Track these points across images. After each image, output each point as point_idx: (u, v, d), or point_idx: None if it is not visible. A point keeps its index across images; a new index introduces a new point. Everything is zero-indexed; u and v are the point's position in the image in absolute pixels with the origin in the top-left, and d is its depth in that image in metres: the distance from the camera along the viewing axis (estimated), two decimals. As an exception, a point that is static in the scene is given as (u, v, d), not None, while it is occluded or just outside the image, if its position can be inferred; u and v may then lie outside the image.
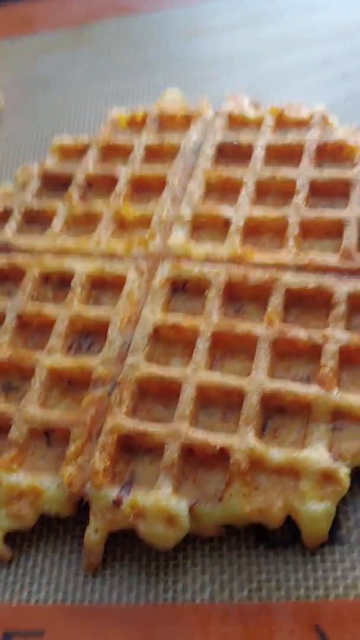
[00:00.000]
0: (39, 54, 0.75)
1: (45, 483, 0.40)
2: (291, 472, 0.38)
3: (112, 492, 0.38)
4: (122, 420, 0.40)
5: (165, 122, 0.59)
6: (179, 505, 0.38)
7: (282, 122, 0.57)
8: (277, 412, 0.41)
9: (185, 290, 0.48)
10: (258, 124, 0.58)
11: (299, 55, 0.71)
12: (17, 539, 0.40)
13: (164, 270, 0.48)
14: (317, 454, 0.38)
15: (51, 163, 0.58)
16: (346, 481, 0.38)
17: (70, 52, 0.75)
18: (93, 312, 0.46)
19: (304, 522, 0.37)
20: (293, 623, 0.36)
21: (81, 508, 0.40)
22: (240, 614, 0.37)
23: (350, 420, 0.40)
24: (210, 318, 0.45)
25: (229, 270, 0.47)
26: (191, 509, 0.38)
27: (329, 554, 0.38)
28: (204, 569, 0.38)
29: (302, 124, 0.57)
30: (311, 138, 0.54)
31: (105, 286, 0.49)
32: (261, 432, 0.41)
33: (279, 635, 0.36)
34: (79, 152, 0.58)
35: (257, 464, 0.39)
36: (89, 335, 0.46)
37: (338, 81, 0.67)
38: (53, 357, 0.44)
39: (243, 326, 0.44)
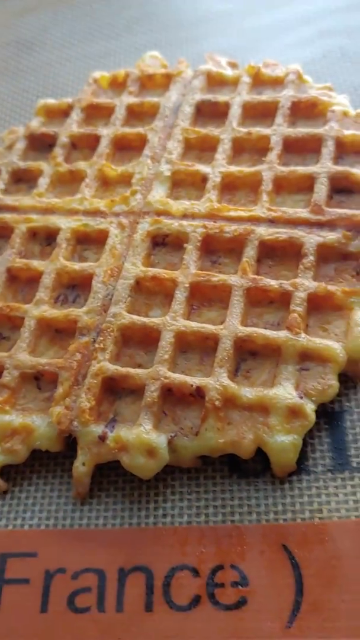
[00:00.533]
0: (21, 15, 0.76)
1: (36, 422, 0.43)
2: (261, 408, 0.42)
3: (98, 429, 0.42)
4: (105, 364, 0.44)
5: (146, 82, 0.61)
6: (159, 439, 0.41)
7: (258, 81, 0.59)
8: (249, 355, 0.45)
9: (165, 244, 0.50)
10: (235, 82, 0.60)
11: (276, 14, 0.72)
12: (12, 473, 0.44)
13: (145, 226, 0.50)
14: (285, 391, 0.42)
15: (36, 124, 0.60)
16: (312, 416, 0.41)
17: (52, 13, 0.76)
18: (78, 266, 0.49)
19: (273, 453, 0.41)
20: (263, 543, 0.40)
21: (69, 444, 0.43)
22: (215, 535, 0.40)
23: (316, 361, 0.43)
24: (188, 270, 0.47)
25: (206, 225, 0.49)
26: (170, 442, 0.41)
27: (297, 482, 0.42)
28: (182, 497, 0.42)
29: (278, 82, 0.59)
30: (285, 95, 0.56)
31: (89, 241, 0.51)
32: (235, 373, 0.44)
33: (250, 554, 0.40)
34: (63, 113, 0.60)
35: (230, 402, 0.42)
36: (74, 287, 0.49)
37: (315, 39, 0.69)
38: (41, 308, 0.47)
39: (218, 277, 0.47)
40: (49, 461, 0.44)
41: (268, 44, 0.69)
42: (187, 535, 0.41)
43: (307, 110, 0.56)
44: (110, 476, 0.43)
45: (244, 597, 0.38)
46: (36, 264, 0.49)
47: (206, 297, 0.47)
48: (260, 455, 0.42)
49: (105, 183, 0.55)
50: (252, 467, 0.42)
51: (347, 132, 0.52)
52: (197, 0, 0.75)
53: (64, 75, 0.69)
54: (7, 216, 0.53)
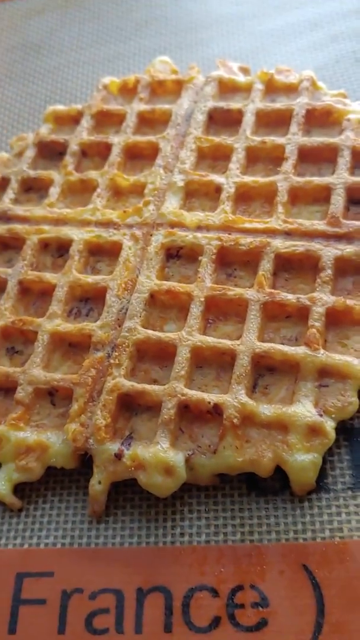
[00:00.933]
0: (28, 18, 0.75)
1: (51, 439, 0.42)
2: (280, 426, 0.41)
3: (114, 447, 0.41)
4: (121, 380, 0.43)
5: (156, 88, 0.60)
6: (176, 457, 0.41)
7: (271, 87, 0.58)
8: (267, 371, 0.44)
9: (179, 256, 0.50)
10: (248, 89, 0.59)
11: (288, 17, 0.71)
12: (26, 490, 0.43)
13: (159, 238, 0.50)
14: (304, 409, 0.41)
15: (45, 131, 0.59)
16: (332, 434, 0.41)
17: (60, 16, 0.75)
18: (92, 279, 0.48)
19: (292, 471, 0.40)
20: (282, 563, 0.39)
21: (85, 461, 0.43)
22: (234, 555, 0.40)
23: (335, 377, 0.42)
24: (203, 283, 0.47)
25: (221, 237, 0.49)
26: (187, 460, 0.41)
27: (316, 500, 0.41)
28: (200, 515, 0.41)
29: (291, 89, 0.58)
30: (300, 103, 0.55)
31: (102, 253, 0.51)
32: (252, 390, 0.43)
33: (270, 574, 0.39)
34: (73, 120, 0.60)
35: (248, 419, 0.41)
36: (87, 300, 0.49)
37: (327, 43, 0.68)
38: (54, 322, 0.46)
39: (235, 290, 0.46)
40: (63, 478, 0.44)
41: (279, 48, 0.69)
42: (205, 555, 0.40)
43: (321, 119, 0.55)
44: (127, 493, 0.43)
45: (265, 618, 0.38)
46: (49, 276, 0.49)
47: (222, 311, 0.47)
48: (278, 472, 0.41)
49: (117, 193, 0.54)
50: (270, 485, 0.42)
51: (364, 142, 0.52)
52: (206, 3, 0.74)
53: (72, 80, 0.68)
54: (18, 227, 0.52)
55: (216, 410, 0.42)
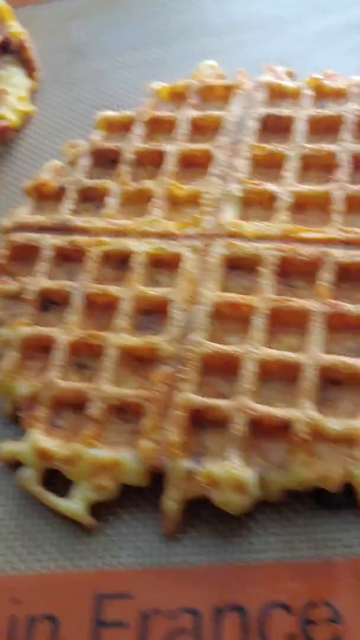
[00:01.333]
0: (70, 20, 0.75)
1: (124, 456, 0.42)
2: (348, 440, 0.41)
3: (187, 464, 0.41)
4: (192, 395, 0.43)
5: (206, 94, 0.60)
6: (249, 474, 0.41)
7: (320, 93, 0.58)
8: (331, 384, 0.44)
9: (239, 267, 0.49)
10: (295, 95, 0.58)
11: (331, 20, 0.70)
12: (96, 508, 0.43)
13: (219, 249, 0.49)
14: (373, 423, 0.41)
15: (98, 138, 0.58)
16: None
17: (102, 18, 0.75)
18: (155, 292, 0.48)
19: (361, 486, 0.41)
20: (354, 578, 0.39)
21: (155, 478, 0.43)
22: (305, 571, 0.40)
23: None
24: (265, 294, 0.47)
25: (281, 247, 0.49)
26: (258, 477, 0.41)
27: (385, 515, 0.41)
28: (270, 532, 0.41)
29: (340, 95, 0.58)
30: (350, 109, 0.55)
31: (162, 265, 0.50)
32: (319, 404, 0.43)
33: (342, 590, 0.39)
34: (123, 126, 0.59)
35: (318, 434, 0.41)
36: (150, 313, 0.48)
37: (371, 46, 0.67)
38: (121, 336, 0.46)
39: (297, 302, 0.46)
40: (134, 495, 0.43)
41: (322, 51, 0.68)
42: (277, 572, 0.40)
43: (373, 125, 0.54)
44: (197, 510, 0.42)
45: (339, 635, 0.38)
46: (113, 289, 0.49)
47: (283, 323, 0.46)
48: (345, 486, 0.41)
49: (173, 203, 0.54)
50: (338, 500, 0.42)
51: None
52: (248, 6, 0.73)
53: (117, 85, 0.68)
54: (79, 239, 0.52)
55: (285, 426, 0.42)
